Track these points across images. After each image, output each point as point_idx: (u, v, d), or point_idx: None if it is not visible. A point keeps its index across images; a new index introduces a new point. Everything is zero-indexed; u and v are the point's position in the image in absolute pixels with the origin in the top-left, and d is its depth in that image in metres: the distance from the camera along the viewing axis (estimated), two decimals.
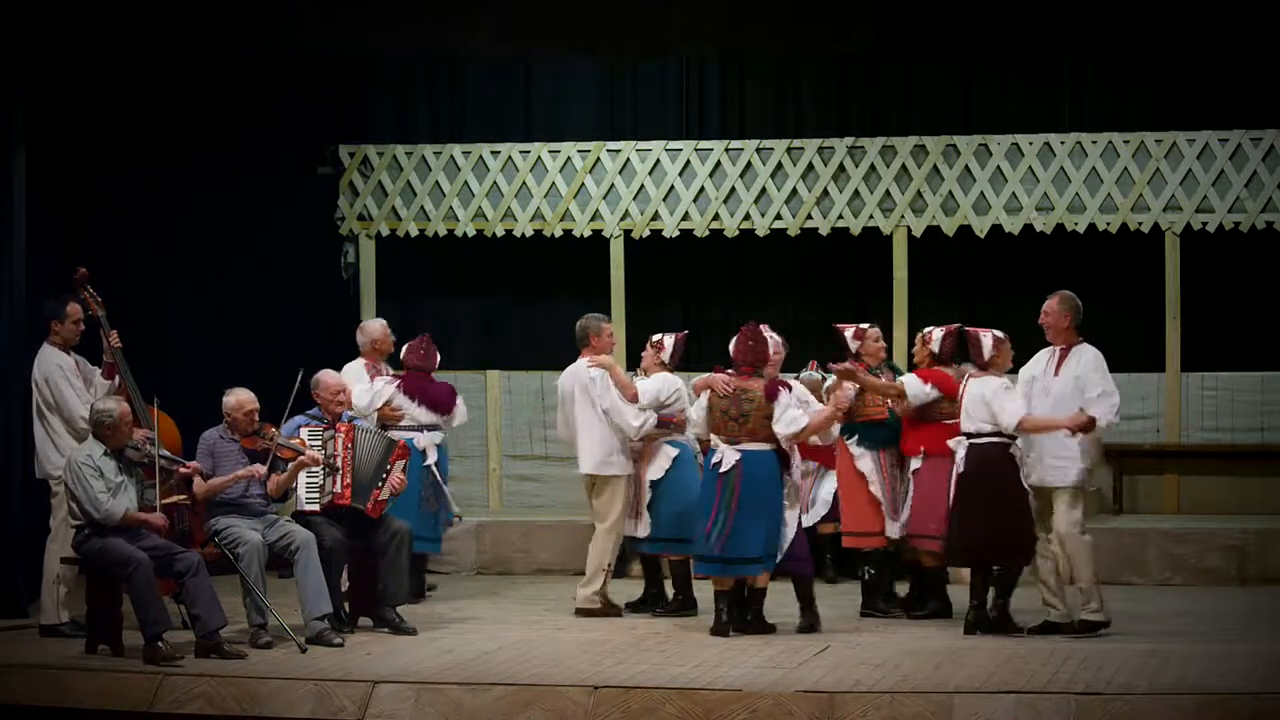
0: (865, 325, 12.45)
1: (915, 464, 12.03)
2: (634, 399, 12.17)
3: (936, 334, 12.25)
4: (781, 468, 11.36)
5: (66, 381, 11.62)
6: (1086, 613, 11.18)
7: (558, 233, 15.80)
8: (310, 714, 9.82)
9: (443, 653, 10.82)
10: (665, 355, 12.32)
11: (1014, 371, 11.64)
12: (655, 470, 12.21)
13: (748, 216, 15.59)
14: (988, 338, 11.59)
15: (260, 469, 11.28)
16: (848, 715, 9.36)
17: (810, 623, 11.49)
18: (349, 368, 13.22)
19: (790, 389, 11.41)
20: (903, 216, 15.35)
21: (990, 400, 11.31)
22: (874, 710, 9.35)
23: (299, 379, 11.64)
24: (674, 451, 12.20)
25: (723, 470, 11.32)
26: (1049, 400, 11.29)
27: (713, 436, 11.49)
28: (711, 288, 16.05)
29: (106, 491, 10.67)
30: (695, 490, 11.82)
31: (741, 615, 11.40)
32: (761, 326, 11.66)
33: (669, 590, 12.44)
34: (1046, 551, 11.28)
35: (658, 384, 12.21)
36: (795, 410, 11.30)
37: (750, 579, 11.41)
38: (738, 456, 11.31)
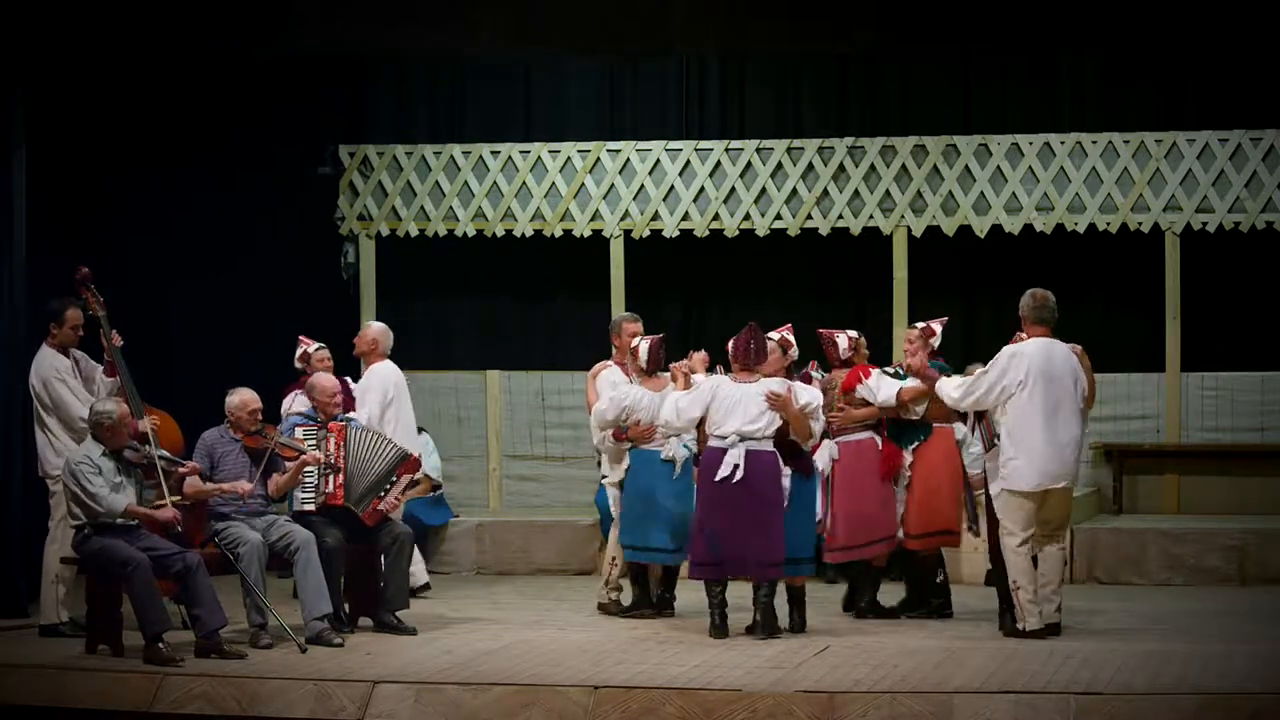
0: (855, 333, 12.34)
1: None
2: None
3: (936, 327, 12.28)
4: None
5: (63, 383, 11.62)
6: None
7: (558, 233, 15.80)
8: (310, 714, 9.82)
9: (443, 653, 10.81)
10: (641, 361, 12.10)
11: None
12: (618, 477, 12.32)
13: (748, 216, 15.59)
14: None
15: (245, 486, 11.22)
16: (848, 715, 9.36)
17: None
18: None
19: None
20: (903, 216, 15.35)
21: None
22: (874, 710, 9.35)
23: None
24: (626, 461, 12.12)
25: None
26: None
27: None
28: (711, 288, 16.06)
29: (106, 488, 10.66)
30: (636, 497, 11.96)
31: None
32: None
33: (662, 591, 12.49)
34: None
35: (603, 405, 12.09)
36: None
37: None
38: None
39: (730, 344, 11.39)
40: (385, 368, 13.25)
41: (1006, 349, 11.21)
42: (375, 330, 13.41)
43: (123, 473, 10.81)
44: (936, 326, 12.18)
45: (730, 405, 11.21)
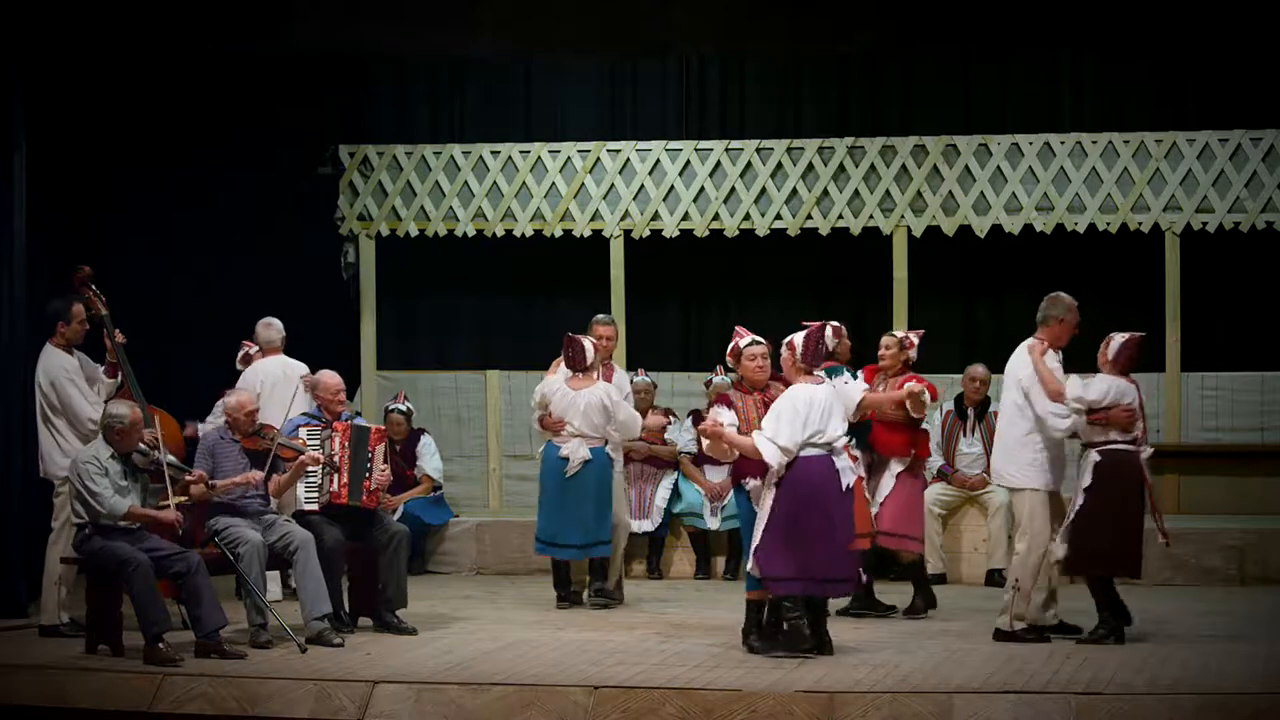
0: (838, 324, 12.25)
1: (898, 466, 12.11)
2: None
3: (914, 338, 12.32)
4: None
5: (71, 383, 11.62)
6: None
7: (558, 233, 15.80)
8: (310, 714, 9.82)
9: (443, 653, 10.82)
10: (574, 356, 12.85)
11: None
12: None
13: (748, 216, 15.58)
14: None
15: (257, 475, 11.26)
16: (848, 715, 9.36)
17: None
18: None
19: (723, 400, 10.96)
20: (903, 216, 15.35)
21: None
22: (874, 710, 9.35)
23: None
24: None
25: None
26: None
27: None
28: (711, 288, 16.06)
29: (110, 490, 10.66)
30: (543, 490, 12.74)
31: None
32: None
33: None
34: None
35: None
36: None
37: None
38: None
39: (801, 342, 10.72)
40: (265, 364, 13.28)
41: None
42: (258, 326, 13.45)
43: (129, 476, 10.81)
44: (914, 338, 12.27)
45: (830, 409, 10.59)
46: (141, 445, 10.89)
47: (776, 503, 10.52)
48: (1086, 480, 11.03)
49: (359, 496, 11.62)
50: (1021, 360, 11.21)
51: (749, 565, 10.68)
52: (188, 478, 11.04)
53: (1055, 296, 11.31)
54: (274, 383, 13.07)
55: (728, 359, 11.11)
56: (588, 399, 12.63)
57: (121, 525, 10.70)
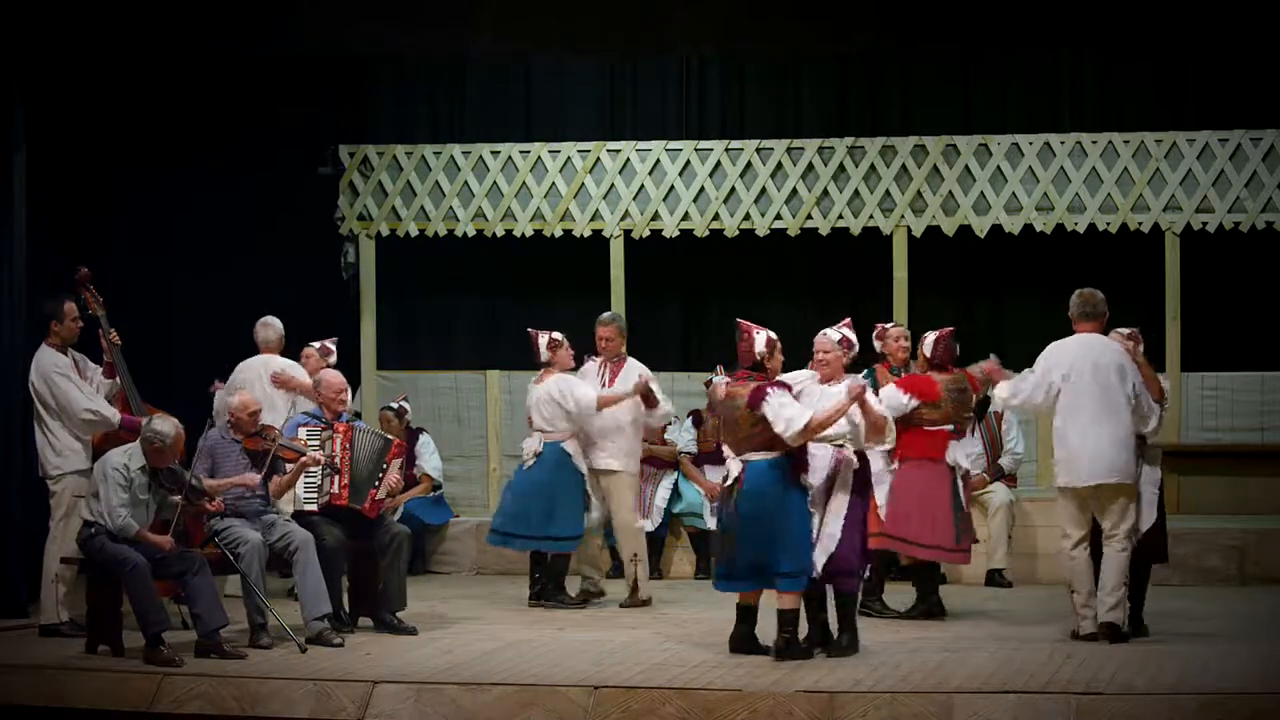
0: (887, 325, 12.52)
1: (893, 467, 12.08)
2: None
3: (929, 338, 12.28)
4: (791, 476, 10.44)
5: (64, 377, 11.61)
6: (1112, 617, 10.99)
7: (558, 233, 15.80)
8: (310, 714, 9.82)
9: (443, 653, 10.82)
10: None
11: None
12: None
13: (748, 216, 15.58)
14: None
15: (254, 478, 11.25)
16: (848, 715, 9.36)
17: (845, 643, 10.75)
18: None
19: (785, 387, 10.46)
20: (903, 216, 15.35)
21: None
22: (874, 710, 9.35)
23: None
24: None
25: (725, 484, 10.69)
26: None
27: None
28: (711, 288, 16.06)
29: (126, 505, 10.65)
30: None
31: (749, 633, 10.74)
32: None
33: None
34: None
35: None
36: (790, 410, 10.34)
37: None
38: (739, 468, 10.53)
39: (856, 332, 10.99)
40: (249, 362, 13.31)
41: (1050, 345, 11.25)
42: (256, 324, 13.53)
43: (151, 490, 10.80)
44: (931, 337, 12.24)
45: None
46: (173, 466, 10.88)
47: (855, 500, 10.67)
48: (1160, 475, 11.27)
49: (361, 500, 11.62)
50: (1121, 356, 11.09)
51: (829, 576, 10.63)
52: (208, 505, 11.03)
53: (1094, 292, 11.27)
54: (250, 381, 13.06)
55: (763, 351, 10.55)
56: (539, 394, 12.75)
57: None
